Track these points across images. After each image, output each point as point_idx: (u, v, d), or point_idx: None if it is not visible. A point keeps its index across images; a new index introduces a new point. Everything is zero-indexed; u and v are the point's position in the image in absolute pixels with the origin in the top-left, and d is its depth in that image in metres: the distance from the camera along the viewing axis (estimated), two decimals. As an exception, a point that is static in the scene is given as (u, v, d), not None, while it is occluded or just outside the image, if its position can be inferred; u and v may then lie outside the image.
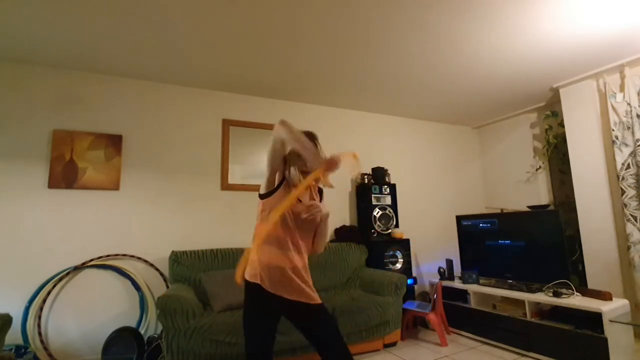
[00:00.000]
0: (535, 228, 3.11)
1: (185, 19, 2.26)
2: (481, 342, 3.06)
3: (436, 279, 3.59)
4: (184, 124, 3.27)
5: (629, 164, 2.98)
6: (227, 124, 3.41)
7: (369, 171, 3.90)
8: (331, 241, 3.68)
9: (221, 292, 2.60)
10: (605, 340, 2.29)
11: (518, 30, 2.50)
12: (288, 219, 1.56)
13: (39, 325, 2.53)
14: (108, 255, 2.83)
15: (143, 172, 3.05)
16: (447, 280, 3.53)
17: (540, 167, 4.01)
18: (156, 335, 2.68)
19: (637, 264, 2.86)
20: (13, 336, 2.42)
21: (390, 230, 3.67)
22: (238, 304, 2.59)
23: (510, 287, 3.05)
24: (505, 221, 3.37)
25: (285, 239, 1.55)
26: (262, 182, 1.62)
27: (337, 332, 1.55)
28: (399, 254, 3.57)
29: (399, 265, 3.54)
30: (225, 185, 3.32)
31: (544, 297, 2.71)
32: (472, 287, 3.24)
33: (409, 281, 3.48)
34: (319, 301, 1.56)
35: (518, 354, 2.76)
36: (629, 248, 2.91)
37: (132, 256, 2.90)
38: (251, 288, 1.55)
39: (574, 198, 3.39)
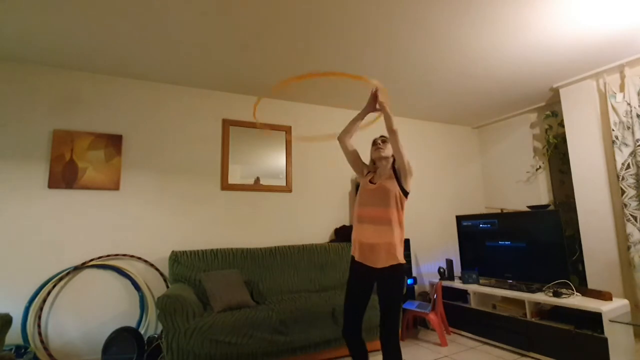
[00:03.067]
0: (535, 228, 3.10)
1: (186, 19, 2.26)
2: (481, 342, 3.06)
3: (436, 279, 3.59)
4: (184, 124, 3.27)
5: (629, 164, 2.98)
6: (227, 124, 3.41)
7: (369, 171, 3.90)
8: (331, 241, 3.68)
9: (221, 292, 2.60)
10: (605, 340, 2.29)
11: (518, 30, 2.50)
12: (361, 198, 1.98)
13: (39, 325, 2.53)
14: (108, 255, 2.83)
15: (143, 172, 3.05)
16: (447, 280, 3.53)
17: (540, 167, 4.01)
18: (156, 335, 2.68)
19: (637, 264, 2.86)
20: (13, 336, 2.43)
21: (390, 230, 3.66)
22: (238, 303, 2.59)
23: (510, 287, 3.05)
24: (505, 221, 3.37)
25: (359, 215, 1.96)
26: None
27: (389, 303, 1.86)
28: (399, 254, 3.56)
29: (399, 265, 3.53)
30: (225, 185, 3.32)
31: (544, 297, 2.71)
32: (472, 287, 3.24)
33: (409, 281, 3.49)
34: (381, 265, 1.84)
35: (518, 354, 2.76)
36: (629, 248, 2.91)
37: (132, 256, 2.90)
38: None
39: (574, 198, 3.39)
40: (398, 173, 1.94)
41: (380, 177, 1.99)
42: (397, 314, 1.89)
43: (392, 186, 1.90)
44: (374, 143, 2.09)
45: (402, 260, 1.86)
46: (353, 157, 2.11)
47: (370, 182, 2.00)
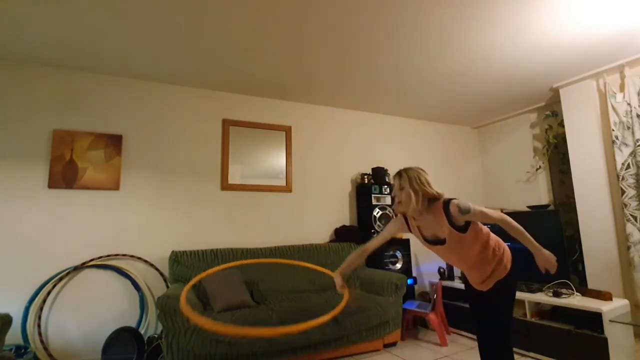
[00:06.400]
0: (535, 228, 3.08)
1: (187, 19, 2.26)
2: (481, 342, 3.06)
3: (436, 279, 3.59)
4: (184, 124, 3.27)
5: (629, 164, 2.98)
6: (227, 124, 3.41)
7: (369, 171, 3.90)
8: (331, 241, 3.68)
9: (221, 292, 2.60)
10: (605, 340, 2.29)
11: (518, 30, 2.50)
12: (441, 254, 1.94)
13: (39, 325, 2.53)
14: (108, 255, 2.83)
15: (143, 172, 3.05)
16: (447, 280, 3.53)
17: (540, 167, 4.01)
18: (156, 335, 2.68)
19: (637, 264, 2.85)
20: (13, 336, 2.42)
21: (390, 230, 3.66)
22: (238, 303, 2.59)
23: (510, 287, 3.05)
24: (505, 221, 3.36)
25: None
26: None
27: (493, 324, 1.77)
28: (399, 254, 3.57)
29: (399, 265, 3.54)
30: (225, 185, 3.32)
31: (544, 297, 2.71)
32: (472, 287, 3.24)
33: (409, 281, 3.48)
34: (481, 289, 1.83)
35: (518, 354, 2.76)
36: (629, 248, 2.91)
37: (132, 256, 2.90)
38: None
39: (574, 198, 3.39)
40: (450, 216, 1.67)
41: (438, 228, 1.72)
42: (501, 327, 1.74)
43: (454, 232, 1.66)
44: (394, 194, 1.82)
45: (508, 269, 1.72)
46: (394, 235, 1.93)
47: (433, 241, 1.76)
